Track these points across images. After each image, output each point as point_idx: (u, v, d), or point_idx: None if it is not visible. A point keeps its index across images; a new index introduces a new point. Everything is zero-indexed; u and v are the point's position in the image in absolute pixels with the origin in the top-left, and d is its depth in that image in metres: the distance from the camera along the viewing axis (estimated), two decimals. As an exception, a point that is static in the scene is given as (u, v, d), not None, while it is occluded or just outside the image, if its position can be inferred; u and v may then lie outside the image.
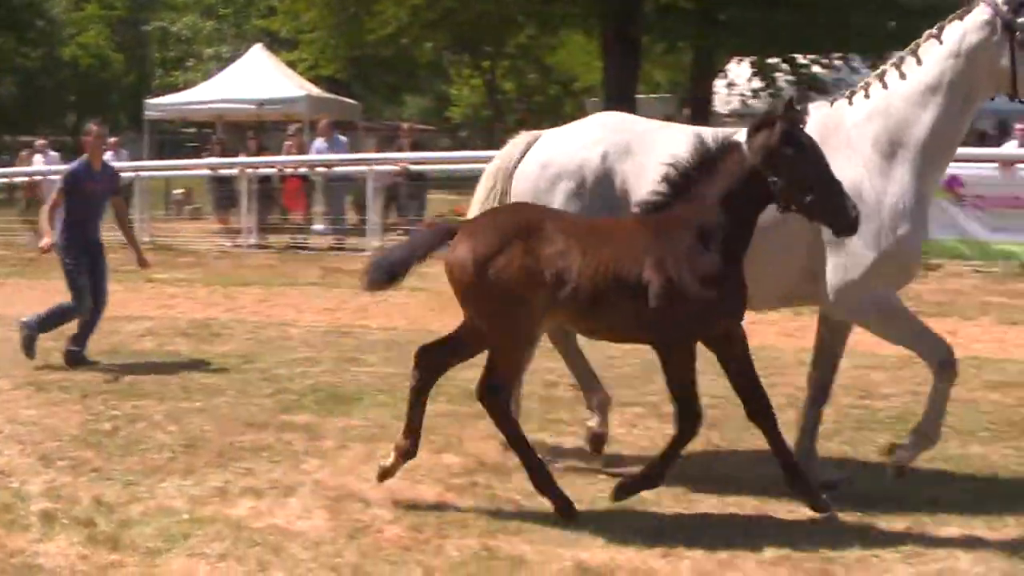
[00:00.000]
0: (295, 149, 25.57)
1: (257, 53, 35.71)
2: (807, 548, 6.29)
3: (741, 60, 35.09)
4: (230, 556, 6.27)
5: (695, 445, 7.29)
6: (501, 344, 6.87)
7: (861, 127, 7.33)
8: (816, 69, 33.32)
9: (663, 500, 7.15)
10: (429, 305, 13.86)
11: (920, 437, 7.31)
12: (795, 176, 6.44)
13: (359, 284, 7.06)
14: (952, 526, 6.73)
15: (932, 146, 7.26)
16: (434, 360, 7.26)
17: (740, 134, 6.96)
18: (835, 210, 6.43)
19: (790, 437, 7.11)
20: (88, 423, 9.05)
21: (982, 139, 23.03)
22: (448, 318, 12.82)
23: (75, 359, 11.45)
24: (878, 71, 7.62)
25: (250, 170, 24.23)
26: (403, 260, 6.92)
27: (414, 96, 64.52)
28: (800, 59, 33.16)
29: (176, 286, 17.92)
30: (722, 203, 6.59)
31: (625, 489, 6.91)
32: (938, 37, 7.38)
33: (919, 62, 7.39)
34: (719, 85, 34.52)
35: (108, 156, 12.14)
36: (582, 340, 7.86)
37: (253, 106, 32.29)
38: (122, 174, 14.86)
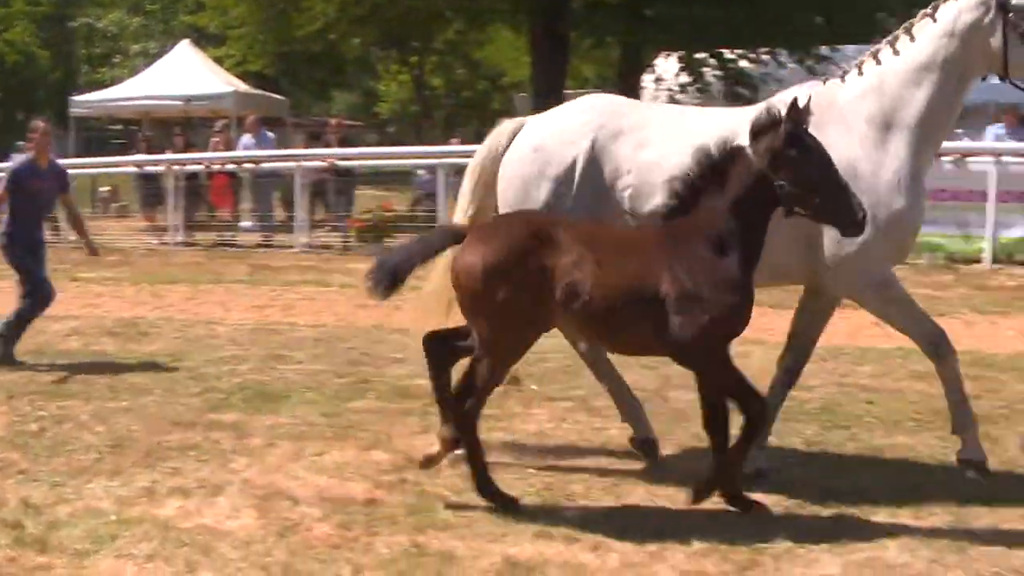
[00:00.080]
0: (222, 146, 25.43)
1: (184, 49, 35.50)
2: (735, 539, 6.31)
3: (669, 55, 35.19)
4: (158, 557, 6.21)
5: (622, 440, 7.34)
6: (496, 352, 6.77)
7: (855, 104, 7.37)
8: (744, 64, 33.52)
9: (592, 493, 7.18)
10: (357, 301, 13.84)
11: (961, 430, 7.47)
12: (802, 178, 6.39)
13: (363, 287, 6.97)
14: (879, 516, 6.79)
15: (926, 124, 7.34)
16: (443, 349, 7.22)
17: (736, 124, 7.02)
18: (843, 210, 6.41)
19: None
20: (14, 424, 8.93)
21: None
22: (379, 314, 12.85)
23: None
24: (872, 49, 7.66)
25: (177, 167, 24.08)
26: (407, 263, 6.84)
27: (342, 92, 64.26)
28: (728, 54, 33.33)
29: (102, 285, 17.72)
30: (732, 210, 6.53)
31: (703, 491, 6.81)
32: (932, 16, 7.44)
33: (912, 39, 7.44)
34: (647, 80, 34.59)
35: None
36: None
37: (180, 102, 32.12)
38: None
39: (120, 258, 21.22)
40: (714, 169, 6.59)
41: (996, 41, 7.28)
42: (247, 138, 25.06)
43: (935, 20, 7.42)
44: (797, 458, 7.92)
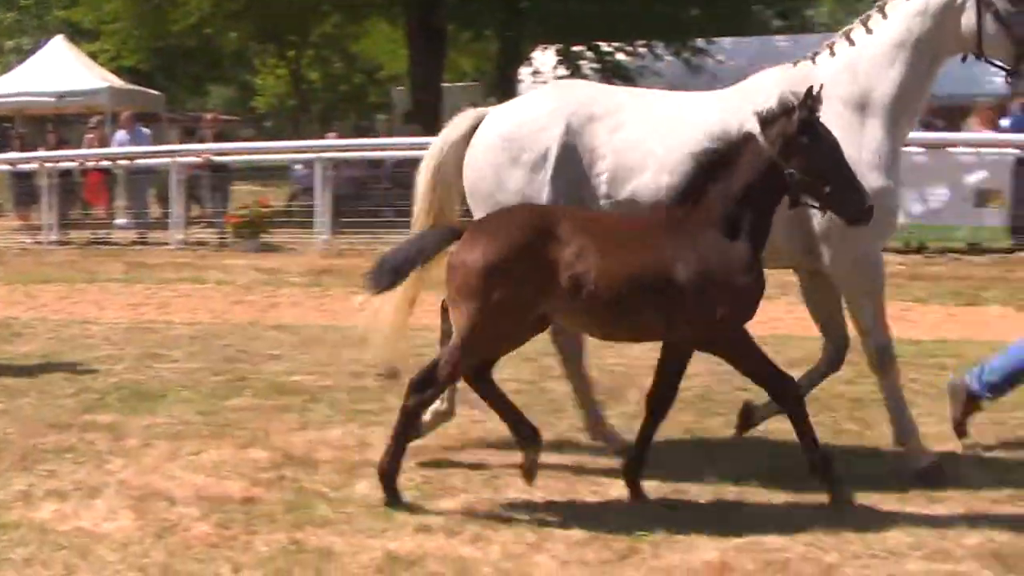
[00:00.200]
0: (97, 142, 25.14)
1: (58, 44, 34.90)
2: (615, 527, 6.37)
3: (546, 48, 35.38)
4: (35, 561, 6.11)
5: (502, 430, 7.34)
6: (475, 346, 6.67)
7: (829, 86, 7.14)
8: (620, 56, 33.82)
9: (471, 486, 7.20)
10: (233, 298, 13.75)
11: (903, 438, 7.50)
12: (813, 167, 6.40)
13: (363, 286, 6.89)
14: (756, 500, 6.92)
15: (899, 103, 7.36)
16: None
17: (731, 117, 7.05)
18: (851, 200, 6.43)
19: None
20: None
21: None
22: (255, 311, 12.78)
23: None
24: (844, 29, 7.69)
25: (50, 164, 23.73)
26: (408, 261, 6.75)
27: (218, 86, 63.63)
28: (604, 46, 33.61)
29: (-26, 286, 17.42)
30: (742, 197, 6.51)
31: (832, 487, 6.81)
32: None
33: (885, 18, 7.46)
34: (524, 72, 34.74)
35: None
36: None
37: (53, 99, 31.60)
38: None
39: (-7, 258, 20.88)
40: (724, 156, 6.58)
41: (969, 19, 7.29)
42: (122, 134, 24.81)
43: None
44: (675, 445, 7.98)
